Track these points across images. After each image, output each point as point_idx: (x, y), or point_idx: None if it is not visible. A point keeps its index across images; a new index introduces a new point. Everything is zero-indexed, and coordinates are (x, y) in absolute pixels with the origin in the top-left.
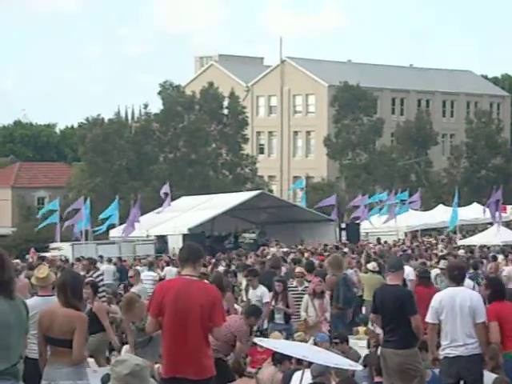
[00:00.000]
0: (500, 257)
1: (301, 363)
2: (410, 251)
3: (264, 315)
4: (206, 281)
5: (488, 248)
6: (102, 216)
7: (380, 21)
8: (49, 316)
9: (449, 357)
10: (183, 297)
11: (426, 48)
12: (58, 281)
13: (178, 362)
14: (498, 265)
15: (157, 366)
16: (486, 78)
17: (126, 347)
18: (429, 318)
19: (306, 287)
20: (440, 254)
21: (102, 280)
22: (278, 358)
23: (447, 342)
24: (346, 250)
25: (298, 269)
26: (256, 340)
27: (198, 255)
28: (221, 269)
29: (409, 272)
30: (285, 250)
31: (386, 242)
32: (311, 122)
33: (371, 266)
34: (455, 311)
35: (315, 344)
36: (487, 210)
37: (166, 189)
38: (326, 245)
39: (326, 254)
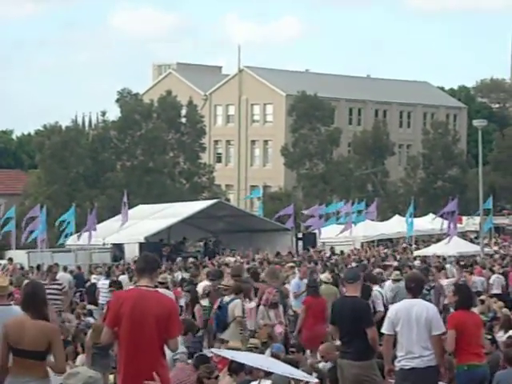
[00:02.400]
0: (451, 267)
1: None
2: (366, 261)
3: None
4: (164, 290)
5: (444, 259)
6: (58, 222)
7: (338, 31)
8: (17, 328)
9: (404, 368)
10: (139, 308)
11: (383, 59)
12: (26, 292)
13: (134, 373)
14: (446, 274)
15: (111, 376)
16: (442, 89)
17: (80, 357)
18: (385, 329)
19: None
20: (395, 264)
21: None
22: (235, 369)
23: (403, 354)
24: (297, 258)
25: (225, 281)
26: (213, 350)
27: (154, 266)
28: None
29: None
30: (238, 258)
31: (342, 252)
32: (269, 132)
33: (324, 277)
34: (411, 323)
35: (272, 355)
36: (439, 219)
37: (124, 198)
38: (278, 253)
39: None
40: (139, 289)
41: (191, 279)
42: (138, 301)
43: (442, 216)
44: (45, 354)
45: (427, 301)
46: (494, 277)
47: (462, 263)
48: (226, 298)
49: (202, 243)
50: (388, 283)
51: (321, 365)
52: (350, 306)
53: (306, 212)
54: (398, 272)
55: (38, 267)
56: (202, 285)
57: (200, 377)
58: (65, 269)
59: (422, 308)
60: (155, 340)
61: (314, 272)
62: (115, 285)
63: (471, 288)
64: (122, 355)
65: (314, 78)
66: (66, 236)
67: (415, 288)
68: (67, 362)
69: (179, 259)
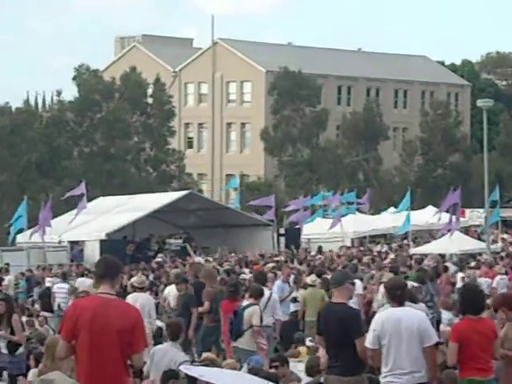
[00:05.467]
0: (453, 267)
1: None
2: (356, 261)
3: None
4: (143, 294)
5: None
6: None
7: None
8: None
9: None
10: (100, 320)
11: (376, 30)
12: None
13: None
14: (449, 277)
15: None
16: (442, 64)
17: (33, 372)
18: (369, 344)
19: None
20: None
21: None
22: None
23: (388, 369)
24: (281, 258)
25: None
26: (181, 368)
27: (116, 270)
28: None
29: (356, 285)
30: (209, 258)
31: (330, 251)
32: (246, 113)
33: (310, 279)
34: (400, 335)
35: (250, 370)
36: (442, 214)
37: (81, 189)
38: (262, 255)
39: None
40: (99, 297)
41: (154, 282)
42: (97, 311)
43: (447, 211)
44: None
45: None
46: (497, 278)
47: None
48: (244, 303)
49: (178, 240)
50: (381, 288)
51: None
52: (337, 313)
53: (290, 207)
54: (392, 274)
55: None
56: (171, 288)
57: None
58: (6, 270)
59: (411, 317)
60: (117, 355)
61: (299, 274)
62: None
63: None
64: (81, 372)
65: (297, 52)
66: (16, 232)
67: (401, 296)
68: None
69: (143, 263)
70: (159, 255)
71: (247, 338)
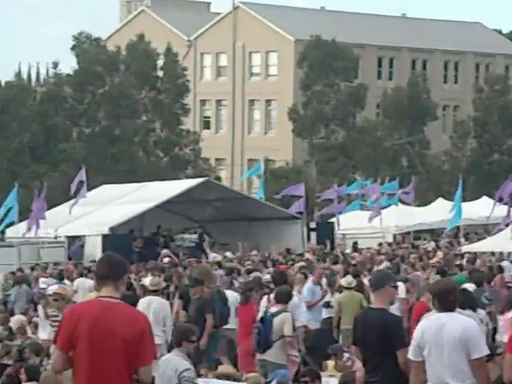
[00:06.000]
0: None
1: None
2: (399, 260)
3: None
4: (158, 298)
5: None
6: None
7: None
8: None
9: None
10: (101, 326)
11: None
12: None
13: None
14: (504, 279)
15: None
16: (500, 33)
17: None
18: (411, 355)
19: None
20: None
21: None
22: None
23: None
24: (309, 256)
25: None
26: (200, 381)
27: (120, 270)
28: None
29: (400, 288)
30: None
31: (368, 249)
32: (272, 88)
33: (345, 281)
34: (442, 345)
35: None
36: (501, 206)
37: (81, 175)
38: (288, 250)
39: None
40: (101, 301)
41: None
42: (99, 317)
43: (503, 201)
44: None
45: None
46: None
47: None
48: (272, 309)
49: (193, 235)
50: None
51: None
52: (376, 320)
53: (322, 197)
54: (439, 276)
55: None
56: None
57: None
58: None
59: (456, 325)
60: (122, 368)
61: (333, 275)
62: None
63: None
64: None
65: (331, 17)
66: (6, 226)
67: (453, 302)
68: None
69: (151, 262)
70: (164, 251)
71: (276, 349)
